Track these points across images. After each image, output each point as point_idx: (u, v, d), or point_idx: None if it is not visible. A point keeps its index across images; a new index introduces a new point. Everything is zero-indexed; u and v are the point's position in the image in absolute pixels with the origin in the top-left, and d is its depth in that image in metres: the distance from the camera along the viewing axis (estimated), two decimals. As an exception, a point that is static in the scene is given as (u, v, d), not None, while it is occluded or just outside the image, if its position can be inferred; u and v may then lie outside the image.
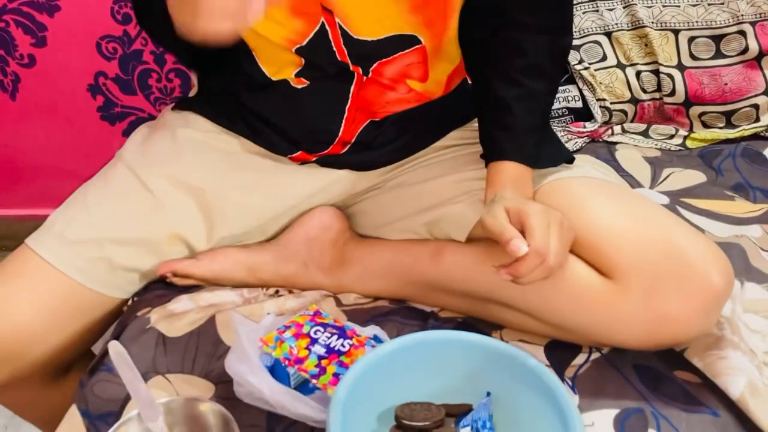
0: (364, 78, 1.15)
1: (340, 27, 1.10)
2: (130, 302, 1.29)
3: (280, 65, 1.16)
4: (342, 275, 1.31)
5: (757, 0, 1.85)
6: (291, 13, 1.09)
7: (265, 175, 1.27)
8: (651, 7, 1.83)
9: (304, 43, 1.12)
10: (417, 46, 1.14)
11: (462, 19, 1.15)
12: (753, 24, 1.83)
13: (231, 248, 1.31)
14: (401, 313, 1.25)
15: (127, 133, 2.31)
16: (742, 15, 1.83)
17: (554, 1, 1.14)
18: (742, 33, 1.83)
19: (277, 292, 1.30)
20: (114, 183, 1.24)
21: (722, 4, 1.84)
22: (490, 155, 1.15)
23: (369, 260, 1.30)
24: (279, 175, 1.27)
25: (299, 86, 1.17)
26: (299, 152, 1.26)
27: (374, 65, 1.15)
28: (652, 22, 1.82)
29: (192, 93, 1.42)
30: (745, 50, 1.83)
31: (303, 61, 1.13)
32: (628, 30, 1.82)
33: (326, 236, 1.31)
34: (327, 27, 1.09)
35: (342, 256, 1.31)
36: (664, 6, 1.83)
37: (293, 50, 1.11)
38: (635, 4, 1.82)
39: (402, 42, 1.13)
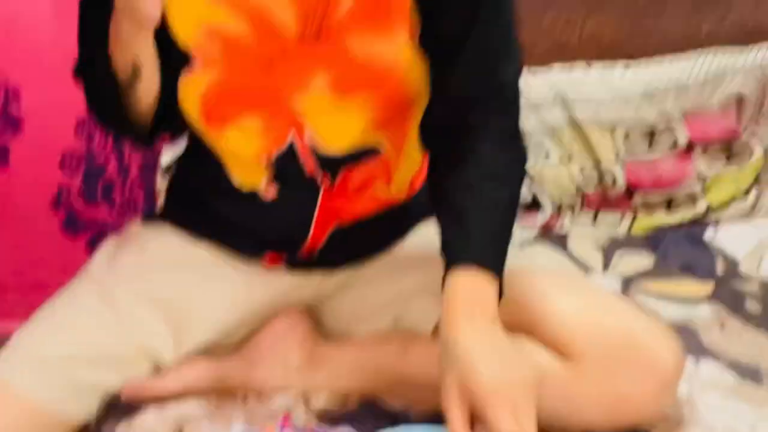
0: (331, 187, 1.14)
1: (311, 146, 1.09)
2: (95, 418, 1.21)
3: (250, 175, 1.14)
4: (312, 375, 1.25)
5: (681, 98, 1.87)
6: (262, 125, 1.07)
7: (233, 284, 1.23)
8: (587, 107, 1.85)
9: (274, 156, 1.11)
10: (380, 155, 1.13)
11: (420, 127, 1.13)
12: (680, 119, 1.86)
13: (197, 359, 1.25)
14: (373, 412, 1.20)
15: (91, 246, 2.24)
16: (669, 111, 1.86)
17: (504, 106, 1.09)
18: (671, 128, 1.86)
19: (245, 398, 1.24)
20: (81, 299, 1.20)
21: (650, 102, 1.87)
22: (447, 263, 1.02)
23: (338, 359, 1.25)
24: (247, 283, 1.23)
25: (269, 196, 1.15)
26: (268, 253, 1.22)
27: (339, 174, 1.13)
28: (590, 121, 1.84)
29: (158, 203, 1.39)
30: (676, 143, 1.85)
31: (272, 172, 1.12)
32: (568, 129, 1.83)
33: (293, 337, 1.26)
34: (295, 141, 1.09)
35: (310, 356, 1.26)
36: (598, 106, 1.86)
37: (263, 164, 1.10)
38: (572, 106, 1.84)
39: (366, 153, 1.12)
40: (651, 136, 1.83)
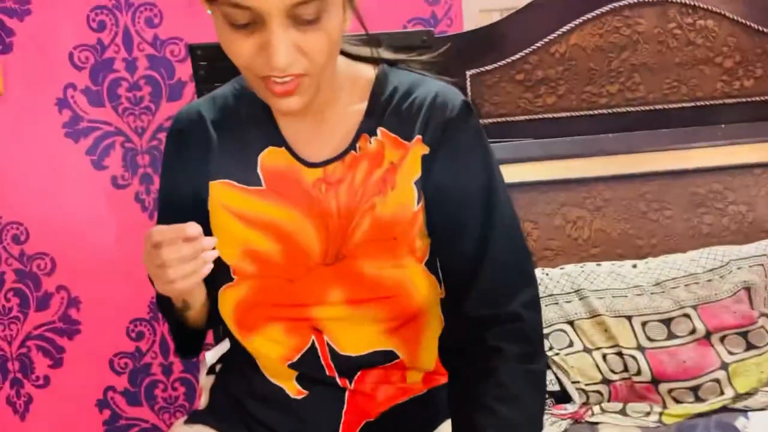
0: (352, 387, 0.93)
1: (328, 344, 0.91)
2: None
3: (279, 376, 0.94)
4: None
5: (693, 287, 1.41)
6: (285, 332, 0.91)
7: None
8: (602, 298, 1.42)
9: (296, 358, 0.92)
10: (396, 360, 0.92)
11: (440, 346, 0.91)
12: (694, 308, 1.39)
13: None
14: None
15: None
16: (682, 301, 1.40)
17: (522, 331, 0.84)
18: (687, 316, 1.38)
19: None
20: None
21: (663, 292, 1.41)
22: None
23: None
24: None
25: (299, 396, 0.94)
26: None
27: (357, 375, 0.92)
28: (606, 311, 1.38)
29: (200, 403, 1.07)
30: (694, 331, 1.36)
31: (298, 374, 0.93)
32: (587, 318, 1.38)
33: None
34: (317, 344, 0.91)
35: None
36: (613, 297, 1.42)
37: (287, 365, 0.92)
38: (588, 297, 1.38)
39: (382, 356, 0.92)
40: (668, 324, 1.33)
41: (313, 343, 0.91)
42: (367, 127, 0.87)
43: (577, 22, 1.70)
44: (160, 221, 0.96)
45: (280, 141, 0.88)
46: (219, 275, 0.89)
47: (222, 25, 0.76)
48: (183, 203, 0.90)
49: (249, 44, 0.76)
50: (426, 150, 0.86)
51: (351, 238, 0.86)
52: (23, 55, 1.77)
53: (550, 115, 1.72)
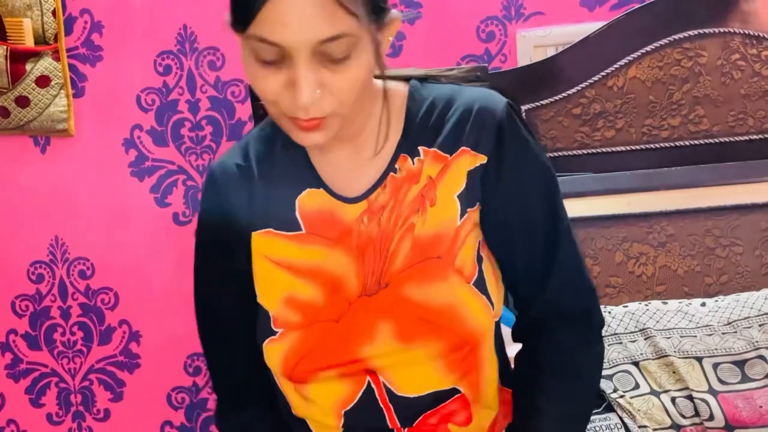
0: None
1: (385, 386, 0.82)
2: None
3: (325, 429, 0.85)
4: None
5: (767, 327, 1.26)
6: (339, 378, 0.82)
7: None
8: (669, 338, 1.29)
9: (353, 404, 0.83)
10: (457, 396, 0.83)
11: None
12: (770, 349, 1.24)
13: None
14: None
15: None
16: (757, 341, 1.28)
17: (582, 316, 0.85)
18: (762, 357, 1.24)
19: None
20: None
21: (735, 332, 1.28)
22: None
23: None
24: None
25: None
26: None
27: (418, 421, 0.83)
28: (675, 351, 1.25)
29: None
30: (771, 374, 1.22)
31: (342, 427, 0.84)
32: (653, 359, 1.27)
33: None
34: (373, 386, 0.82)
35: None
36: (681, 336, 1.29)
37: (343, 413, 0.83)
38: (654, 336, 1.25)
39: (444, 394, 0.83)
40: (742, 366, 1.19)
41: (369, 385, 0.82)
42: (405, 147, 0.81)
43: (635, 55, 1.61)
44: (201, 276, 0.92)
45: (317, 182, 0.82)
46: (261, 326, 0.84)
47: (250, 59, 0.72)
48: (227, 255, 0.85)
49: (276, 80, 0.71)
50: (483, 159, 0.80)
51: (392, 263, 0.79)
52: (94, 98, 1.80)
53: (608, 149, 1.62)
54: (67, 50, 1.77)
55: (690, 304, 1.41)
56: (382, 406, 0.82)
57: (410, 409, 0.82)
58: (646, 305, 1.41)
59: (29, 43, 1.73)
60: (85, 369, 1.82)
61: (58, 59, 1.76)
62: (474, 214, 0.81)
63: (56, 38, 1.75)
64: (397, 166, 0.80)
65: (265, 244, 0.82)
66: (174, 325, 1.80)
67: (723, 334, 1.35)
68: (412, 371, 0.81)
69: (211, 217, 0.86)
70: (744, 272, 1.50)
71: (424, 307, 0.79)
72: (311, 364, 0.82)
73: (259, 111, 1.60)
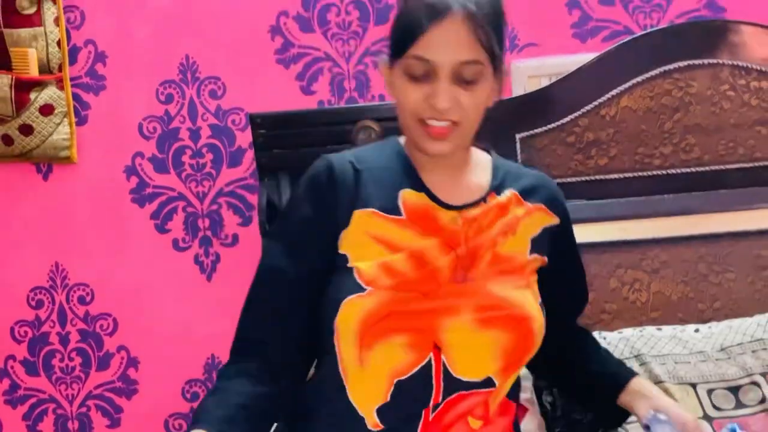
0: (429, 419, 0.94)
1: (444, 365, 0.93)
2: None
3: (367, 398, 0.93)
4: None
5: (760, 353, 1.27)
6: (407, 345, 0.93)
7: None
8: (664, 364, 1.32)
9: (408, 375, 0.93)
10: (491, 389, 0.97)
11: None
12: (763, 375, 1.26)
13: None
14: None
15: None
16: (750, 368, 1.29)
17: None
18: (756, 383, 1.24)
19: None
20: None
21: (729, 358, 1.29)
22: (617, 384, 1.09)
23: None
24: None
25: (374, 425, 0.93)
26: None
27: (443, 404, 0.95)
28: (669, 377, 1.27)
29: None
30: (763, 399, 1.23)
31: (389, 396, 0.93)
32: None
33: None
34: (432, 362, 0.93)
35: None
36: (676, 363, 1.31)
37: (395, 381, 0.92)
38: (649, 362, 1.27)
39: (484, 384, 0.96)
40: (736, 392, 1.19)
41: (429, 361, 0.93)
42: (494, 188, 1.02)
43: (627, 85, 1.64)
44: (275, 253, 0.97)
45: (420, 187, 0.99)
46: (347, 285, 0.93)
47: (399, 76, 0.94)
48: (317, 232, 0.96)
49: (418, 92, 0.92)
50: (557, 221, 1.05)
51: (477, 265, 0.96)
52: (96, 126, 1.82)
53: (602, 177, 1.64)
54: (71, 79, 1.80)
55: (684, 330, 1.42)
56: (434, 382, 0.93)
57: (456, 391, 0.94)
58: (641, 331, 1.42)
59: (34, 72, 1.75)
60: (83, 395, 1.82)
61: (62, 88, 1.79)
62: (538, 261, 1.02)
63: (60, 68, 1.78)
64: (487, 198, 1.01)
65: (366, 221, 0.96)
66: (172, 351, 1.80)
67: (717, 360, 1.36)
68: (473, 355, 0.94)
69: (320, 189, 0.97)
70: (737, 298, 1.51)
71: (503, 302, 0.95)
72: (388, 324, 0.91)
73: (259, 139, 1.62)
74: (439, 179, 1.00)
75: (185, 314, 1.81)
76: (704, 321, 1.49)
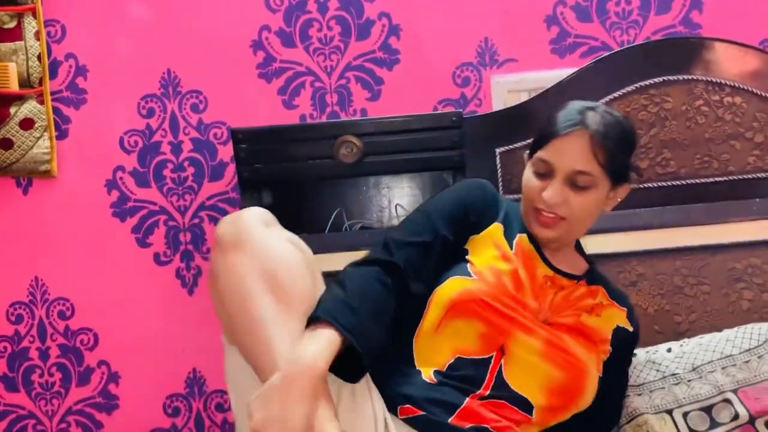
0: (475, 400, 1.06)
1: (500, 367, 1.06)
2: None
3: (433, 359, 1.06)
4: None
5: (730, 369, 1.29)
6: (480, 334, 1.06)
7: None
8: (640, 394, 1.33)
9: (469, 356, 1.06)
10: (528, 414, 1.08)
11: None
12: (734, 392, 1.27)
13: None
14: None
15: None
16: (721, 385, 1.31)
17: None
18: (728, 401, 1.27)
19: None
20: None
21: (700, 377, 1.31)
22: None
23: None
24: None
25: (431, 380, 1.05)
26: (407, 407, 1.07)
27: (492, 399, 1.06)
28: (647, 408, 1.29)
29: None
30: (736, 416, 1.24)
31: (446, 367, 1.05)
32: (627, 422, 1.29)
33: None
34: (493, 360, 1.06)
35: None
36: (651, 391, 1.33)
37: (455, 357, 1.05)
38: (629, 395, 1.27)
39: (527, 407, 1.07)
40: (710, 411, 1.21)
41: (491, 357, 1.06)
42: (587, 277, 1.18)
43: (604, 100, 1.65)
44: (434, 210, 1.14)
45: (532, 241, 1.16)
46: (458, 269, 1.09)
47: (528, 170, 1.14)
48: (465, 218, 1.14)
49: (539, 185, 1.11)
50: (631, 328, 1.21)
51: (557, 320, 1.12)
52: (77, 140, 1.80)
53: (580, 191, 1.65)
54: (52, 93, 1.78)
55: (657, 351, 1.42)
56: (488, 376, 1.05)
57: (502, 395, 1.05)
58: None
59: (14, 86, 1.74)
60: (63, 411, 1.79)
61: (42, 102, 1.77)
62: (607, 347, 1.16)
63: (41, 82, 1.77)
64: (580, 280, 1.17)
65: (495, 232, 1.14)
66: (153, 366, 1.79)
67: (689, 381, 1.36)
68: (527, 374, 1.06)
69: (483, 187, 1.18)
70: (711, 311, 1.53)
71: (571, 350, 1.09)
72: (474, 309, 1.05)
73: (241, 153, 1.62)
74: (546, 244, 1.17)
75: (167, 328, 1.79)
76: (680, 333, 1.50)
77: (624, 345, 1.18)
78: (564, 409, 1.11)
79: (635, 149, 1.16)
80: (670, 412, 1.34)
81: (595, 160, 1.08)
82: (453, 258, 1.12)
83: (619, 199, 1.15)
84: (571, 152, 1.08)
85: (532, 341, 1.07)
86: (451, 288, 1.08)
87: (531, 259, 1.14)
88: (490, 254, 1.12)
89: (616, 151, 1.09)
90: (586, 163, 1.08)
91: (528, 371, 1.07)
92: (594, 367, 1.12)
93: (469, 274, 1.09)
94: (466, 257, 1.12)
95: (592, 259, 1.23)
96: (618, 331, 1.16)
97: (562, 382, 1.08)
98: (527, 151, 1.17)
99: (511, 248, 1.13)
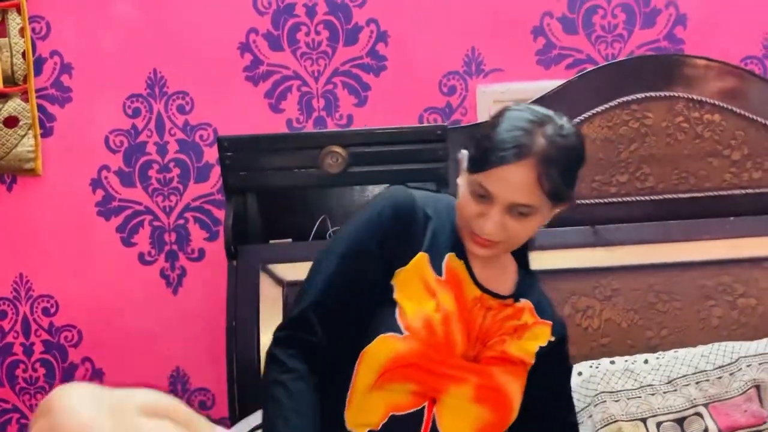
0: None
1: (434, 417, 1.02)
2: None
3: (364, 418, 1.01)
4: None
5: (703, 384, 1.33)
6: (412, 392, 1.01)
7: None
8: (618, 401, 1.37)
9: (403, 413, 1.01)
10: None
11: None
12: (706, 406, 1.32)
13: None
14: None
15: None
16: (694, 399, 1.35)
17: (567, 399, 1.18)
18: (699, 415, 1.30)
19: None
20: None
21: (675, 390, 1.35)
22: None
23: None
24: None
25: None
26: None
27: None
28: (623, 414, 1.31)
29: None
30: (706, 430, 1.30)
31: (381, 426, 1.01)
32: (602, 427, 1.29)
33: None
34: (425, 411, 1.02)
35: None
36: (628, 399, 1.36)
37: (389, 415, 1.00)
38: (605, 401, 1.32)
39: None
40: (681, 423, 1.26)
41: (423, 408, 1.01)
42: (515, 294, 1.11)
43: (587, 114, 1.67)
44: (339, 273, 1.03)
45: (462, 255, 1.07)
46: (387, 321, 1.00)
47: (466, 189, 1.02)
48: (382, 256, 1.03)
49: (477, 208, 1.00)
50: (552, 338, 1.12)
51: (486, 351, 1.06)
52: (62, 139, 1.79)
53: (560, 203, 1.68)
54: (37, 91, 1.77)
55: (635, 361, 1.47)
56: (422, 428, 1.01)
57: None
58: (597, 367, 1.46)
59: (-2, 84, 1.72)
60: (47, 405, 1.81)
61: (26, 100, 1.75)
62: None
63: (25, 79, 1.75)
64: (506, 300, 1.10)
65: (422, 265, 1.04)
66: (137, 363, 1.81)
67: (664, 393, 1.41)
68: (459, 419, 1.03)
69: (403, 210, 1.04)
70: (682, 326, 1.57)
71: (501, 386, 1.05)
72: (407, 373, 1.00)
73: (226, 161, 1.62)
74: (476, 262, 1.08)
75: (151, 327, 1.81)
76: (652, 348, 1.54)
77: (550, 353, 1.11)
78: None
79: (583, 166, 1.03)
80: (644, 420, 1.38)
81: (540, 191, 0.97)
82: (380, 294, 1.02)
83: (560, 213, 1.05)
84: (514, 184, 0.96)
85: (463, 390, 1.03)
86: (381, 351, 1.00)
87: (460, 282, 1.06)
88: (417, 294, 1.02)
89: (564, 177, 0.98)
90: (530, 195, 0.97)
91: (460, 416, 1.04)
92: (519, 396, 1.08)
93: (399, 330, 1.00)
94: (393, 296, 1.02)
95: (526, 261, 1.15)
96: (542, 349, 1.11)
97: (493, 421, 1.06)
98: (464, 152, 1.03)
99: (440, 274, 1.04)
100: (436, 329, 1.01)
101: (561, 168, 0.97)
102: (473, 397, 1.04)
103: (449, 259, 1.06)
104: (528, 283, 1.13)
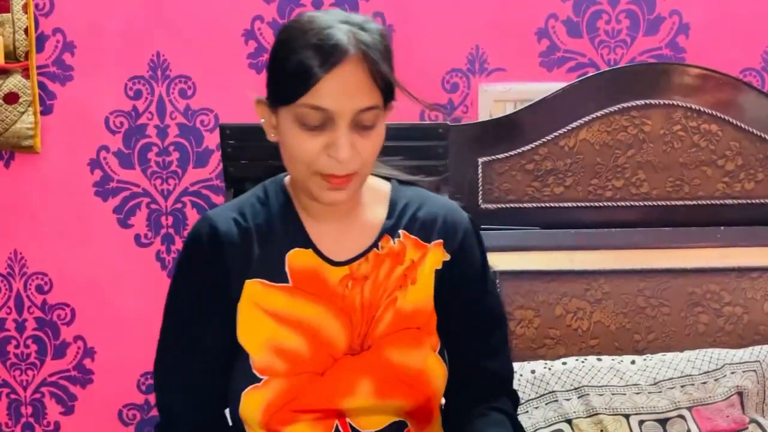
0: None
1: (351, 426, 0.91)
2: None
3: None
4: None
5: (688, 388, 1.36)
6: (311, 424, 0.90)
7: None
8: (602, 395, 1.38)
9: None
10: (407, 428, 0.94)
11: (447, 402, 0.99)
12: (689, 409, 1.34)
13: None
14: None
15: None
16: (678, 401, 1.38)
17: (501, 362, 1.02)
18: (682, 417, 1.33)
19: None
20: None
21: (660, 392, 1.36)
22: None
23: None
24: None
25: None
26: None
27: None
28: (605, 408, 1.32)
29: None
30: (688, 432, 1.31)
31: None
32: (585, 417, 1.31)
33: None
34: (340, 428, 0.91)
35: None
36: (613, 394, 1.38)
37: None
38: (588, 394, 1.32)
39: (395, 427, 0.93)
40: (664, 424, 1.28)
41: (336, 428, 0.91)
42: (388, 229, 0.93)
43: (586, 119, 1.68)
44: (176, 328, 0.94)
45: (306, 243, 0.91)
46: (243, 374, 0.89)
47: (291, 126, 0.84)
48: (209, 305, 0.90)
49: (316, 143, 0.83)
50: (447, 257, 0.94)
51: (375, 329, 0.90)
52: (62, 117, 1.77)
53: (556, 204, 1.69)
54: (38, 68, 1.74)
55: (621, 361, 1.49)
56: None
57: None
58: (583, 362, 1.48)
59: (-1, 60, 1.69)
60: (38, 381, 1.80)
61: (27, 77, 1.73)
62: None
63: (27, 56, 1.72)
64: (380, 244, 0.92)
65: (256, 292, 0.90)
66: (129, 343, 1.80)
67: (649, 393, 1.43)
68: (378, 421, 0.92)
69: (207, 256, 0.90)
70: (669, 332, 1.59)
71: (401, 369, 0.90)
72: (290, 411, 0.88)
73: (228, 149, 1.61)
74: (327, 230, 0.91)
75: (144, 308, 1.80)
76: (639, 351, 1.56)
77: (452, 267, 0.93)
78: (428, 415, 0.94)
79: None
80: (627, 417, 1.40)
81: (377, 87, 0.83)
82: (230, 346, 0.90)
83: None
84: (352, 87, 0.81)
85: (361, 394, 0.89)
86: (249, 409, 0.88)
87: (314, 274, 0.89)
88: (264, 325, 0.89)
89: (389, 66, 0.85)
90: (370, 96, 0.82)
91: (377, 418, 0.91)
92: (433, 358, 0.93)
93: (256, 379, 0.88)
94: (240, 341, 0.90)
95: (390, 176, 0.97)
96: (439, 272, 0.93)
97: (411, 405, 0.92)
98: (259, 98, 0.89)
99: (288, 281, 0.89)
100: (293, 348, 0.88)
101: (384, 56, 0.84)
102: (377, 394, 0.89)
103: (291, 258, 0.90)
104: (404, 203, 0.94)
